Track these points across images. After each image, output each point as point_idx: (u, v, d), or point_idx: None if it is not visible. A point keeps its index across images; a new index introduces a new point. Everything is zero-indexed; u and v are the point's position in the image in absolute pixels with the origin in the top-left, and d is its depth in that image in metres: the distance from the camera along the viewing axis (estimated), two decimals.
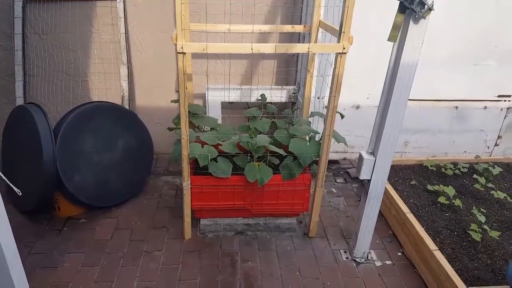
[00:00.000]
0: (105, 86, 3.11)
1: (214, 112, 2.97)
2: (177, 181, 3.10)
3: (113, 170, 2.69)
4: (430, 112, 3.20)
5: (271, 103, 2.84)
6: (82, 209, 2.67)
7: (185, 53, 1.94)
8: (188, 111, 2.54)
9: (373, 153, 2.10)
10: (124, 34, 2.89)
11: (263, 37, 3.04)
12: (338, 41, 2.00)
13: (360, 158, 2.11)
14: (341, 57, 2.02)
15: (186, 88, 2.05)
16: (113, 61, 3.00)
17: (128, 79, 2.98)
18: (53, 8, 2.86)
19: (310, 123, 2.60)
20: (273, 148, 2.25)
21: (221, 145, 2.38)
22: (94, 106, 2.65)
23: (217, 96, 2.95)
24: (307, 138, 2.43)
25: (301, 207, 2.49)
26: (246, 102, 3.10)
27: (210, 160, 2.25)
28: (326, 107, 3.06)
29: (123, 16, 2.87)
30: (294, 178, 2.35)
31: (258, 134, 2.60)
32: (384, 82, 1.96)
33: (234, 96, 2.98)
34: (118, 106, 2.78)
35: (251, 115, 2.67)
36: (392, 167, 3.10)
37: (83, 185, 2.54)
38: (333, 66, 2.08)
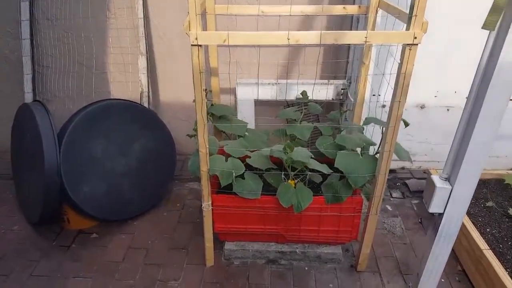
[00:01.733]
0: (125, 79, 2.73)
1: (246, 112, 2.52)
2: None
3: (128, 178, 2.32)
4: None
5: (314, 101, 2.33)
6: (94, 221, 2.33)
7: (200, 45, 1.49)
8: (212, 114, 2.11)
9: (449, 179, 1.57)
10: (142, 19, 2.47)
11: (306, 21, 2.52)
12: (408, 28, 1.48)
13: (431, 184, 1.59)
14: (410, 49, 1.49)
15: (206, 91, 1.61)
16: (132, 51, 2.60)
17: (148, 71, 2.58)
18: None
19: (363, 130, 2.09)
20: (315, 165, 1.77)
21: (249, 157, 1.93)
22: (106, 105, 2.27)
23: (249, 93, 2.48)
24: (359, 150, 1.93)
25: (349, 236, 2.01)
26: (285, 100, 2.62)
27: (235, 177, 1.80)
28: (383, 106, 2.54)
29: None
30: (341, 202, 1.86)
31: (296, 140, 2.13)
32: (472, 85, 1.42)
33: (270, 92, 2.51)
34: (133, 104, 2.39)
35: (289, 118, 2.19)
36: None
37: (92, 196, 2.19)
38: (398, 62, 1.55)
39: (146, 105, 2.57)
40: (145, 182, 2.40)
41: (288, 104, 2.67)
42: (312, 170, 1.86)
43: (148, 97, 2.59)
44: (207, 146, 1.71)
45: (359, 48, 2.27)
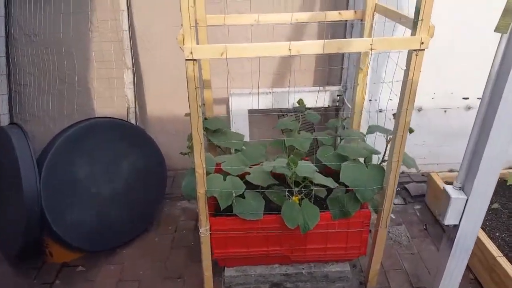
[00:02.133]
0: (110, 94, 2.59)
1: (240, 123, 2.40)
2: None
3: (116, 202, 2.18)
4: None
5: (310, 108, 2.23)
6: (79, 253, 2.16)
7: (195, 60, 1.37)
8: (206, 128, 1.99)
9: (463, 188, 1.48)
10: (127, 31, 2.34)
11: (297, 28, 2.43)
12: (413, 33, 1.39)
13: (445, 195, 1.49)
14: (417, 55, 1.41)
15: (201, 105, 1.49)
16: (117, 64, 2.46)
17: (134, 86, 2.45)
18: (42, 2, 2.34)
19: (365, 138, 1.99)
20: (321, 180, 1.66)
21: (248, 173, 1.81)
22: (89, 125, 2.13)
23: (243, 103, 2.37)
24: (362, 160, 1.83)
25: (357, 251, 1.91)
26: (280, 109, 2.51)
27: (235, 197, 1.68)
28: (380, 111, 2.45)
29: (125, 8, 2.32)
30: (349, 217, 1.76)
31: (294, 152, 2.02)
32: (484, 90, 1.33)
33: (264, 101, 2.40)
34: (120, 122, 2.25)
35: (286, 128, 2.09)
36: None
37: (76, 225, 2.04)
38: (403, 68, 1.47)
39: (133, 121, 2.43)
40: (135, 205, 2.26)
41: (282, 113, 2.56)
42: (317, 184, 1.75)
43: (135, 112, 2.45)
44: (204, 166, 1.59)
45: (355, 53, 2.18)
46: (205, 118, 2.07)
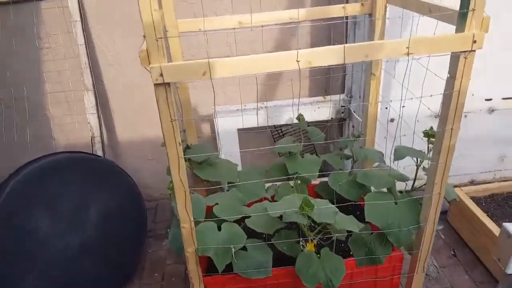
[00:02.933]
0: (71, 120, 2.18)
1: (229, 146, 2.02)
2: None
3: (88, 254, 1.77)
4: None
5: (310, 124, 1.87)
6: None
7: (168, 84, 0.99)
8: (189, 160, 1.61)
9: None
10: (84, 46, 1.93)
11: (284, 31, 2.06)
12: (461, 29, 1.04)
13: (505, 236, 1.15)
14: (466, 57, 1.05)
15: (181, 132, 1.11)
16: (74, 86, 2.05)
17: (98, 110, 2.04)
18: None
19: (383, 156, 1.64)
20: (345, 223, 1.29)
21: (248, 216, 1.44)
22: (46, 164, 1.72)
23: (230, 122, 1.99)
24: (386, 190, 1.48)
25: None
26: (274, 125, 2.14)
27: (235, 252, 1.30)
28: (391, 120, 2.10)
29: (79, 18, 1.91)
30: (378, 264, 1.40)
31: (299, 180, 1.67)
32: None
33: (255, 118, 2.03)
34: (84, 157, 1.85)
35: (286, 151, 1.72)
36: (491, 196, 2.17)
37: None
38: (448, 75, 1.12)
39: (99, 152, 2.03)
40: (112, 253, 1.86)
41: (277, 129, 2.20)
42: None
43: (102, 142, 2.04)
44: (192, 220, 1.21)
45: None
46: (187, 147, 1.69)
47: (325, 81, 2.18)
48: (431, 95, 1.25)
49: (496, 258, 1.21)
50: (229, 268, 1.32)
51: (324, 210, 1.27)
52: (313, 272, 1.29)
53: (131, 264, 1.97)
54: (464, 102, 1.13)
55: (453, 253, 2.01)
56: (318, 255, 1.34)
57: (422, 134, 1.37)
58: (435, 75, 1.21)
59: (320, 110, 2.00)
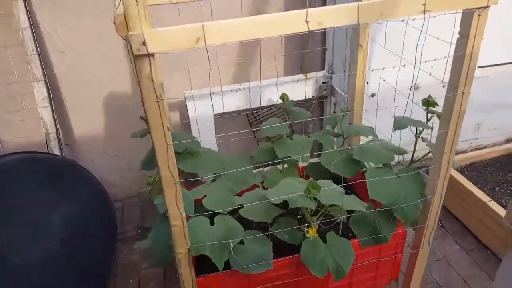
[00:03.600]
0: (20, 117, 1.91)
1: (204, 134, 1.85)
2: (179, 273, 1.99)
3: (51, 268, 1.55)
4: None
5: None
6: None
7: (152, 55, 0.82)
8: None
9: None
10: (29, 30, 1.68)
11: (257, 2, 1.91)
12: None
13: None
14: (480, 15, 0.97)
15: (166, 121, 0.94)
16: (21, 76, 1.79)
17: (51, 103, 1.80)
18: None
19: (373, 131, 1.54)
20: (353, 204, 1.18)
21: (241, 206, 1.29)
22: None
23: (205, 107, 1.82)
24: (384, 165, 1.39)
25: (388, 278, 1.48)
26: (251, 110, 1.99)
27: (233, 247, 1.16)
28: (372, 95, 2.02)
29: None
30: (384, 243, 1.31)
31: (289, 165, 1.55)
32: None
33: (234, 101, 1.87)
34: (39, 158, 1.62)
35: (273, 134, 1.58)
36: (472, 165, 2.16)
37: None
38: (459, 36, 1.02)
39: (56, 151, 1.80)
40: (79, 263, 1.65)
41: (253, 112, 2.05)
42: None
43: (58, 139, 1.81)
44: (184, 216, 1.05)
45: (342, 28, 1.71)
46: None
47: (301, 58, 2.06)
48: (434, 59, 1.16)
49: (508, 223, 1.15)
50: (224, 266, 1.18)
51: (330, 191, 1.15)
52: (321, 259, 1.18)
53: (102, 272, 1.77)
54: (475, 65, 1.04)
55: (440, 224, 1.98)
56: (324, 241, 1.23)
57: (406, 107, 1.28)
58: (437, 38, 1.12)
59: (300, 89, 1.88)
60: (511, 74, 2.15)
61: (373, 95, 1.98)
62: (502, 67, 2.13)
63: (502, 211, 1.70)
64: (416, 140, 1.38)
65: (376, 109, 1.53)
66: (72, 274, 1.61)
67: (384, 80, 1.79)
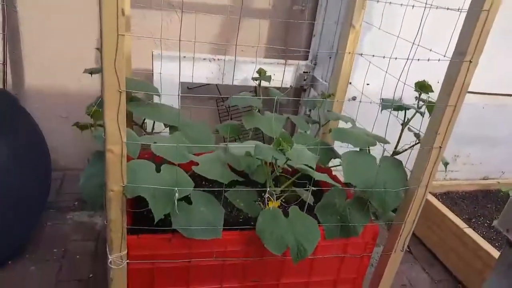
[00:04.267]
0: None
1: (168, 101, 1.65)
2: (99, 223, 1.73)
3: None
4: (496, 113, 2.13)
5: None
6: None
7: None
8: None
9: None
10: None
11: None
12: None
13: None
14: None
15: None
16: None
17: (4, 29, 1.57)
18: None
19: (354, 122, 1.39)
20: (327, 179, 1.01)
21: (196, 164, 1.09)
22: None
23: (172, 73, 1.62)
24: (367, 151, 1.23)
25: (351, 286, 1.28)
26: (216, 86, 1.82)
27: (178, 202, 0.94)
28: (353, 98, 1.89)
29: None
30: (354, 236, 1.13)
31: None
32: None
33: (205, 72, 1.70)
34: None
35: (245, 105, 1.42)
36: (447, 194, 2.03)
37: None
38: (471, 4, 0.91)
39: None
40: None
41: (223, 99, 1.88)
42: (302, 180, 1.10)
43: (4, 72, 1.58)
44: (125, 141, 0.85)
45: (336, 9, 1.60)
46: None
47: (285, 46, 1.93)
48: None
49: (504, 229, 1.00)
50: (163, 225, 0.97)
51: (303, 152, 0.97)
52: (279, 234, 0.98)
53: (22, 232, 1.49)
54: (489, 29, 0.92)
55: (408, 249, 1.82)
56: (288, 218, 1.03)
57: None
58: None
59: (279, 75, 1.73)
60: (501, 106, 2.08)
61: (354, 98, 1.85)
62: (492, 97, 2.06)
63: (480, 240, 1.56)
64: (403, 128, 1.24)
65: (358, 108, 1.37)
66: None
67: (367, 84, 1.67)
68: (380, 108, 1.20)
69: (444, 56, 0.99)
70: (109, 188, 0.88)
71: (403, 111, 1.23)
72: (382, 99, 1.23)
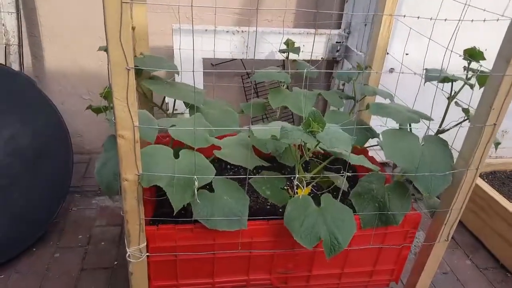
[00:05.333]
0: None
1: (189, 80, 1.55)
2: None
3: None
4: None
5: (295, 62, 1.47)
6: None
7: None
8: (137, 72, 1.15)
9: None
10: None
11: None
12: None
13: None
14: None
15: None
16: None
17: (18, 10, 1.51)
18: None
19: (393, 97, 1.26)
20: (365, 162, 0.90)
21: (218, 148, 1.00)
22: None
23: (195, 49, 1.53)
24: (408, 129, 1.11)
25: (388, 278, 1.18)
26: (241, 61, 1.71)
27: (198, 190, 0.86)
28: (390, 70, 1.75)
29: None
30: (393, 225, 1.02)
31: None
32: None
33: (228, 46, 1.59)
34: None
35: (270, 79, 1.31)
36: (493, 173, 1.87)
37: None
38: None
39: (15, 66, 1.51)
40: (20, 204, 1.35)
41: (248, 73, 1.77)
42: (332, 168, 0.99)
43: (20, 53, 1.52)
44: (137, 125, 0.76)
45: None
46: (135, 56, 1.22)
47: (314, 16, 1.78)
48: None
49: None
50: (184, 215, 0.89)
51: (338, 134, 0.86)
52: (310, 225, 0.88)
53: (45, 219, 1.46)
54: None
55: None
56: (320, 208, 0.93)
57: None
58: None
59: (309, 46, 1.60)
60: None
61: (391, 70, 1.70)
62: None
63: None
64: (449, 102, 1.11)
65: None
66: (9, 211, 1.31)
67: (406, 54, 1.52)
68: (423, 80, 1.06)
69: (503, 15, 0.85)
70: (123, 177, 0.81)
71: (449, 84, 1.09)
72: (426, 69, 1.09)
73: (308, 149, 0.91)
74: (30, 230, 1.40)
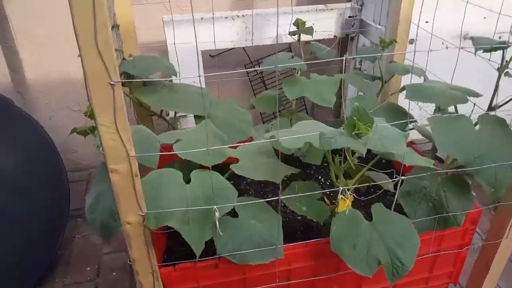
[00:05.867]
0: None
1: (187, 74, 1.36)
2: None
3: None
4: None
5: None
6: None
7: None
8: (128, 76, 0.97)
9: None
10: None
11: None
12: None
13: None
14: None
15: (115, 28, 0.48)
16: None
17: None
18: None
19: (425, 73, 1.08)
20: (418, 160, 0.72)
21: (235, 160, 0.83)
22: None
23: (191, 40, 1.33)
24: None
25: (446, 281, 1.03)
26: (244, 49, 1.52)
27: (220, 219, 0.69)
28: (410, 42, 1.54)
29: None
30: (453, 227, 0.85)
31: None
32: None
33: (228, 34, 1.39)
34: None
35: (283, 68, 1.12)
36: None
37: None
38: None
39: None
40: (16, 242, 1.19)
41: (250, 61, 1.58)
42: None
43: None
44: (133, 155, 0.58)
45: None
46: (123, 58, 1.04)
47: None
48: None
49: None
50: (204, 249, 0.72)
51: (385, 131, 0.68)
52: (365, 247, 0.71)
53: (47, 255, 1.30)
54: None
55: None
56: (372, 222, 0.76)
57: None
58: None
59: (319, 25, 1.40)
60: None
61: (411, 41, 1.51)
62: None
63: None
64: (500, 75, 0.92)
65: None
66: (7, 252, 1.16)
67: (426, 22, 1.33)
68: (457, 51, 0.87)
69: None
70: (123, 221, 0.64)
71: (501, 53, 0.91)
72: (472, 37, 0.90)
73: (353, 153, 0.74)
74: (30, 269, 1.24)
